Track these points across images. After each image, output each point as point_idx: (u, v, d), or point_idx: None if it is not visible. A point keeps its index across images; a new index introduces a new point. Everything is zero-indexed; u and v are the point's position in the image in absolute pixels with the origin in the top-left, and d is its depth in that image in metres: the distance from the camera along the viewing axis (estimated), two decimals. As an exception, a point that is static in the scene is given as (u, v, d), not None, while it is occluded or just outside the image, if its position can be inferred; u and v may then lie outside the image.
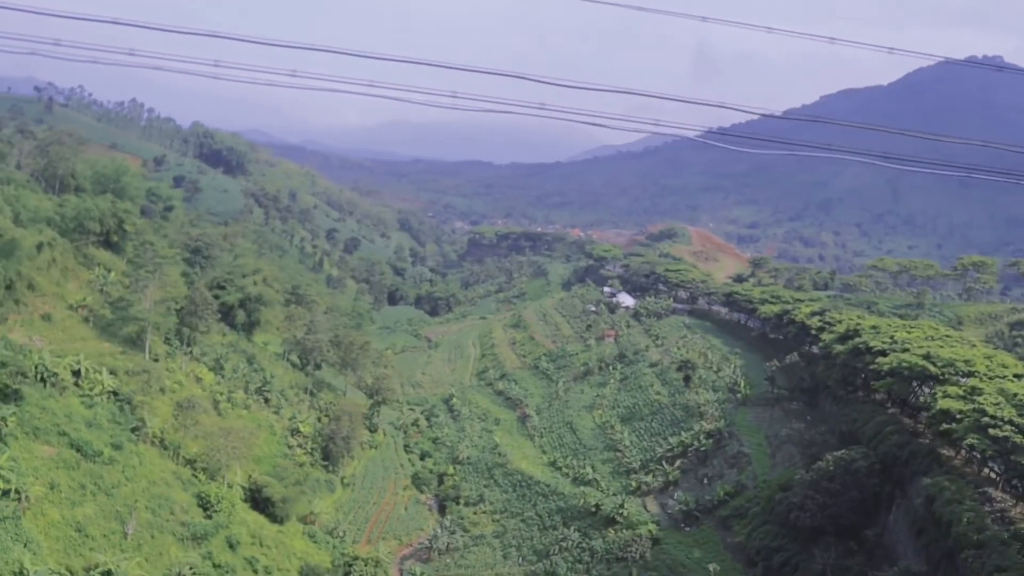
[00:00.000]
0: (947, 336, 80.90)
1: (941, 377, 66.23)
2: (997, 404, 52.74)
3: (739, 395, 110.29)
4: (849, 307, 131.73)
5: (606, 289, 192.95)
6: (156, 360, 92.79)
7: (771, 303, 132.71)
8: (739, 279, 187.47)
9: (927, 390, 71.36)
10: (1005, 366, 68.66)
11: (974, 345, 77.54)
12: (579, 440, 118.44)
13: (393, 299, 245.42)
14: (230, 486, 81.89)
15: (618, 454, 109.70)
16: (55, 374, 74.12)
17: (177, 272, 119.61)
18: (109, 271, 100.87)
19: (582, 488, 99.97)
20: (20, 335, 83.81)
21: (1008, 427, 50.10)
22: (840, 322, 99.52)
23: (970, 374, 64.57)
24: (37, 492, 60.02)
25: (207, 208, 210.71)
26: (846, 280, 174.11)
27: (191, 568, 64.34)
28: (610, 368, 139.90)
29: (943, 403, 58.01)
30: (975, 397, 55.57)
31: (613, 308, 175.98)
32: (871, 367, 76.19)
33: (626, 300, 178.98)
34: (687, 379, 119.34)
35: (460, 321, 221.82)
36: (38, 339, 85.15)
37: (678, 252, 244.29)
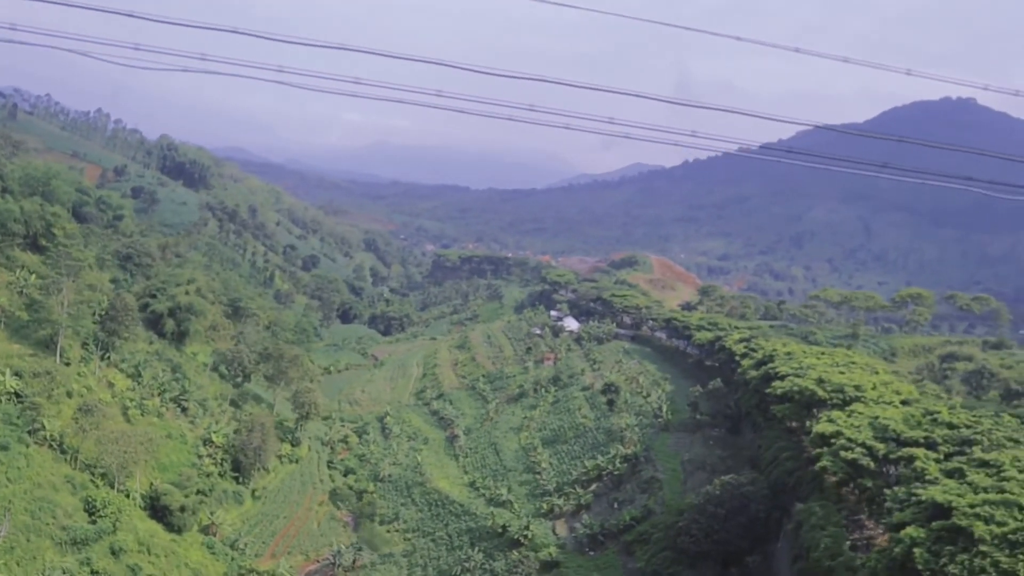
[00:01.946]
0: (852, 363, 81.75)
1: (830, 402, 66.82)
2: (857, 427, 53.26)
3: (661, 420, 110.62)
4: (789, 336, 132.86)
5: (553, 313, 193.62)
6: (68, 364, 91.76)
7: (707, 330, 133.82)
8: (687, 307, 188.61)
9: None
10: (898, 392, 69.58)
11: (876, 372, 78.35)
12: (501, 461, 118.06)
13: (347, 317, 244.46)
14: (127, 493, 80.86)
15: (536, 476, 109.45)
16: (-55, 372, 73.08)
17: (106, 278, 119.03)
18: (32, 274, 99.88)
19: (493, 509, 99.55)
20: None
21: (859, 449, 50.56)
22: (761, 349, 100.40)
23: (857, 399, 65.20)
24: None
25: (162, 219, 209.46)
26: (793, 311, 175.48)
27: (64, 573, 63.22)
28: (543, 391, 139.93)
29: (818, 427, 58.51)
30: (843, 421, 56.09)
31: (557, 332, 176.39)
32: (766, 391, 76.82)
33: (571, 324, 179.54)
34: (611, 403, 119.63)
35: (410, 341, 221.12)
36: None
37: (635, 280, 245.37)
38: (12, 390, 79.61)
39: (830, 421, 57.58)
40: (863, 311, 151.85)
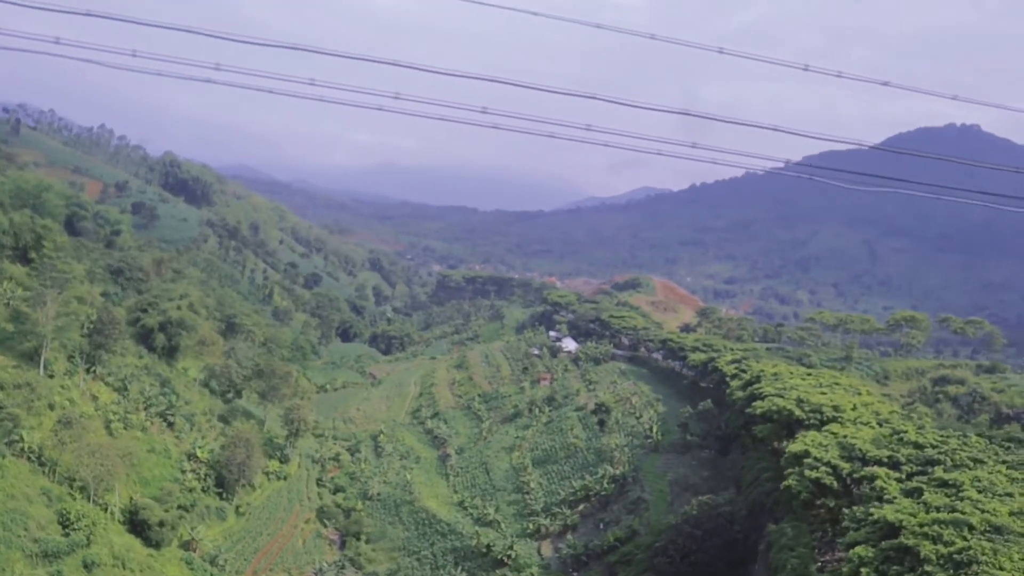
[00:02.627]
0: (836, 384, 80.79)
1: (807, 422, 65.88)
2: (824, 446, 52.35)
3: (651, 441, 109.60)
4: (784, 359, 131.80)
5: (551, 333, 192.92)
6: (52, 376, 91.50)
7: (701, 351, 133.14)
8: (686, 329, 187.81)
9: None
10: (877, 413, 68.60)
11: (859, 393, 77.37)
12: (491, 481, 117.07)
13: (347, 336, 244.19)
14: (105, 507, 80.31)
15: (525, 496, 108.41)
16: (-78, 382, 72.95)
17: (96, 292, 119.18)
18: (19, 286, 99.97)
19: (478, 529, 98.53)
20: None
21: (824, 468, 49.64)
22: (750, 370, 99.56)
23: (834, 419, 64.25)
24: None
25: (161, 235, 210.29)
26: (790, 333, 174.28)
27: (34, 586, 62.64)
28: (537, 411, 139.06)
29: (791, 447, 57.59)
30: (810, 440, 55.17)
31: (555, 352, 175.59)
32: (747, 411, 75.92)
33: (569, 345, 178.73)
34: (602, 423, 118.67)
35: (410, 360, 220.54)
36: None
37: (637, 301, 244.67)
38: (-8, 401, 79.34)
39: (801, 441, 56.66)
40: (859, 334, 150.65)
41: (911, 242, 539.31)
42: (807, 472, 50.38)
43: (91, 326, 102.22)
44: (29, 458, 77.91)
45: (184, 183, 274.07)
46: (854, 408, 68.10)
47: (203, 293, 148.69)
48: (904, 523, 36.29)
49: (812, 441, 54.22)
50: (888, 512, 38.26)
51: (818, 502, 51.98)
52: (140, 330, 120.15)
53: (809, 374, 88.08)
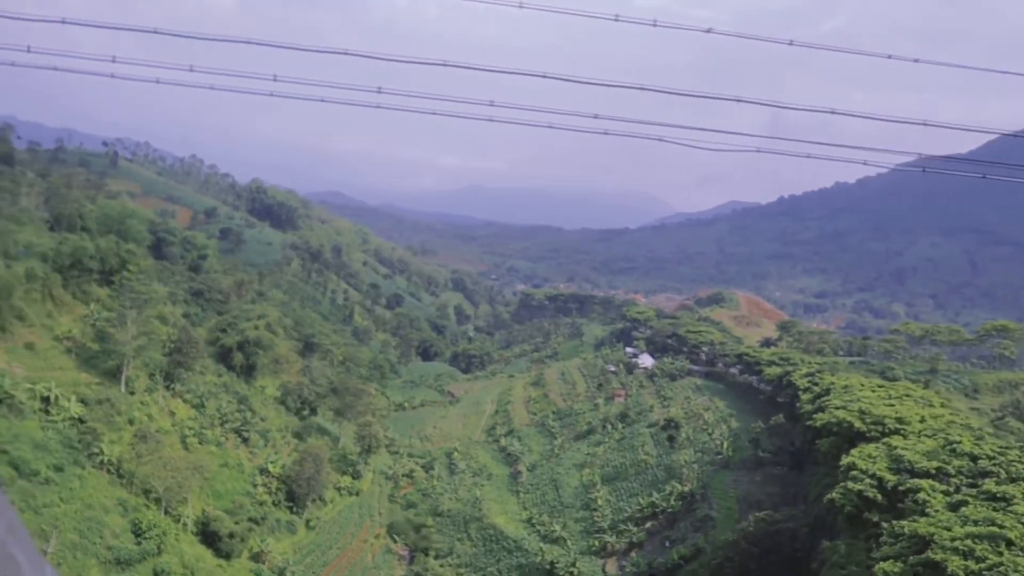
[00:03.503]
0: (906, 396, 77.39)
1: (868, 434, 63.27)
2: (872, 458, 50.10)
3: (721, 457, 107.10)
4: (868, 372, 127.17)
5: (628, 350, 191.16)
6: (132, 393, 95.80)
7: (777, 365, 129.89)
8: (767, 343, 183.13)
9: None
10: (948, 425, 65.41)
11: (931, 405, 73.90)
12: (560, 498, 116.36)
13: (428, 355, 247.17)
14: (178, 518, 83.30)
15: (593, 513, 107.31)
16: (12, 396, 77.40)
17: (178, 312, 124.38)
18: (104, 307, 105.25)
19: (543, 546, 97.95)
20: (0, 361, 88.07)
21: (868, 481, 47.49)
22: (823, 383, 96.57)
23: (896, 432, 61.51)
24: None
25: (247, 259, 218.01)
26: (877, 346, 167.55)
27: (105, 591, 65.45)
28: (610, 427, 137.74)
29: (846, 460, 55.36)
30: (857, 452, 52.93)
31: (631, 368, 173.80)
32: (807, 424, 73.43)
33: (645, 361, 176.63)
34: (671, 439, 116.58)
35: (489, 379, 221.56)
36: (17, 366, 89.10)
37: (719, 316, 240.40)
38: (76, 416, 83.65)
39: (854, 453, 54.47)
40: (947, 345, 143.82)
41: (1016, 251, 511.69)
42: (850, 485, 48.34)
43: (172, 345, 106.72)
44: (108, 470, 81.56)
45: (270, 208, 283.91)
46: (921, 420, 65.00)
47: (282, 313, 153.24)
48: (935, 537, 34.38)
49: (860, 453, 52.00)
50: (921, 526, 36.38)
51: (864, 516, 49.77)
52: (220, 349, 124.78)
53: (881, 386, 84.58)
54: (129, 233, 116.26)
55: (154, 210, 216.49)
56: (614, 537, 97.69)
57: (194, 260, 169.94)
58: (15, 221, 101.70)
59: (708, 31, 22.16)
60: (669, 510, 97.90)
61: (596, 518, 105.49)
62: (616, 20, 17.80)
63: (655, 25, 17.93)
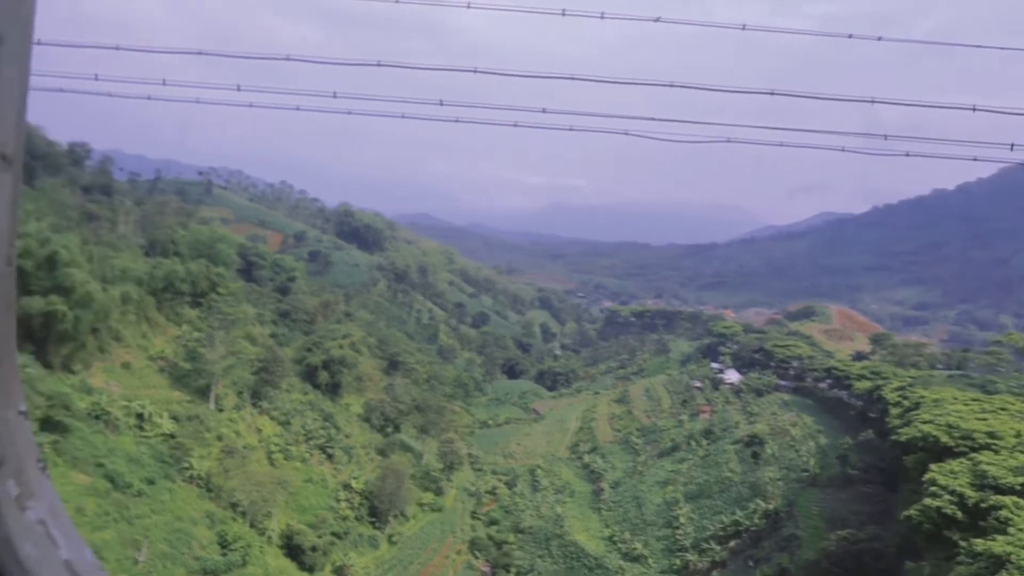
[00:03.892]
0: (1003, 409, 73.48)
1: (956, 449, 60.35)
2: (954, 474, 47.73)
3: (808, 474, 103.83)
4: (967, 386, 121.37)
5: (714, 365, 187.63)
6: (221, 410, 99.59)
7: (867, 379, 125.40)
8: (858, 357, 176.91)
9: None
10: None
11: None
12: (642, 515, 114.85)
13: (513, 373, 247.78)
14: (263, 531, 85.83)
15: (675, 531, 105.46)
16: (108, 412, 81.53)
17: (266, 332, 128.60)
18: (196, 329, 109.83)
19: (623, 563, 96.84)
20: (99, 380, 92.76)
21: (947, 497, 45.20)
22: (913, 397, 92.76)
23: (987, 447, 58.49)
24: (60, 516, 66.15)
25: (334, 280, 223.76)
26: (976, 359, 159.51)
27: (193, 601, 67.98)
28: (694, 444, 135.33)
29: (927, 476, 52.97)
30: (936, 467, 50.50)
31: (717, 384, 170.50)
32: (892, 438, 70.51)
33: (731, 376, 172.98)
34: (755, 455, 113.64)
35: (574, 396, 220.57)
36: (114, 384, 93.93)
37: (810, 330, 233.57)
38: (168, 432, 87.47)
39: (934, 468, 52.05)
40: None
41: None
42: (928, 501, 46.17)
43: (259, 364, 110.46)
44: (197, 484, 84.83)
45: (357, 231, 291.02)
46: (1017, 435, 61.61)
47: (367, 333, 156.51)
48: (1012, 557, 32.51)
49: (941, 469, 49.65)
50: (998, 544, 34.44)
51: (944, 534, 47.41)
52: (306, 368, 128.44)
53: (976, 399, 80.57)
54: (219, 257, 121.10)
55: (246, 235, 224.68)
56: (696, 556, 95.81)
57: (283, 282, 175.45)
58: (112, 247, 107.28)
59: (743, 28, 21.88)
60: (753, 528, 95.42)
61: (678, 536, 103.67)
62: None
63: (657, 20, 17.87)
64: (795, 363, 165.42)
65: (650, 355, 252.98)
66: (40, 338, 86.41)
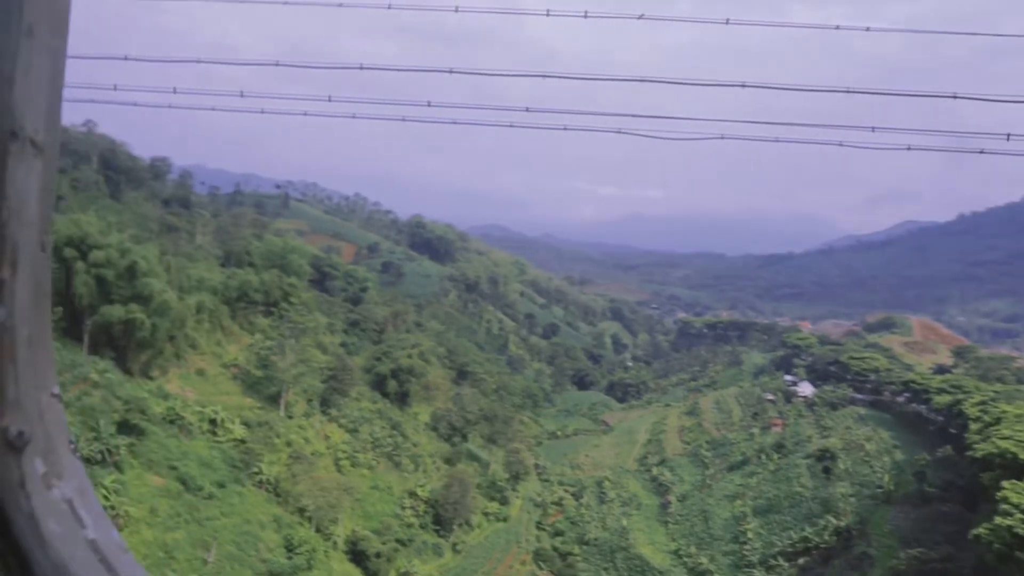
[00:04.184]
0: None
1: (1033, 467, 57.78)
2: (1026, 490, 45.60)
3: (883, 491, 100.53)
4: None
5: (787, 378, 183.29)
6: (291, 417, 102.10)
7: (947, 393, 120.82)
8: (940, 370, 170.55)
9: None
10: None
11: None
12: (709, 529, 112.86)
13: (583, 384, 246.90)
14: (329, 536, 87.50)
15: (742, 546, 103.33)
16: (182, 417, 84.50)
17: (337, 341, 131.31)
18: (268, 337, 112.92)
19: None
20: (175, 386, 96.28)
21: (1019, 516, 43.20)
22: (993, 411, 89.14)
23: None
24: (137, 514, 68.83)
25: (406, 291, 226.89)
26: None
27: (259, 602, 69.76)
28: (764, 458, 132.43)
29: (1002, 494, 50.79)
30: (1010, 485, 48.30)
31: (790, 397, 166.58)
32: (966, 454, 67.78)
33: (805, 389, 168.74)
34: (827, 470, 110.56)
35: (644, 408, 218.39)
36: (189, 391, 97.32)
37: (889, 343, 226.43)
38: (239, 437, 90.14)
39: (1006, 486, 49.84)
40: None
41: None
42: (999, 520, 44.28)
43: (329, 373, 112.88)
44: (266, 489, 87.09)
45: (429, 242, 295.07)
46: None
47: (436, 343, 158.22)
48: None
49: (1015, 487, 47.55)
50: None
51: (1016, 555, 45.30)
52: (375, 377, 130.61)
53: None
54: (291, 267, 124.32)
55: (321, 246, 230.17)
56: (764, 572, 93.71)
57: (355, 292, 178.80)
58: (189, 258, 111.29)
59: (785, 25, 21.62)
60: (823, 546, 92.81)
61: (746, 552, 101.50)
62: (640, 19, 17.84)
63: (728, 23, 18.01)
64: (872, 376, 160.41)
65: (722, 367, 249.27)
66: (121, 345, 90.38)
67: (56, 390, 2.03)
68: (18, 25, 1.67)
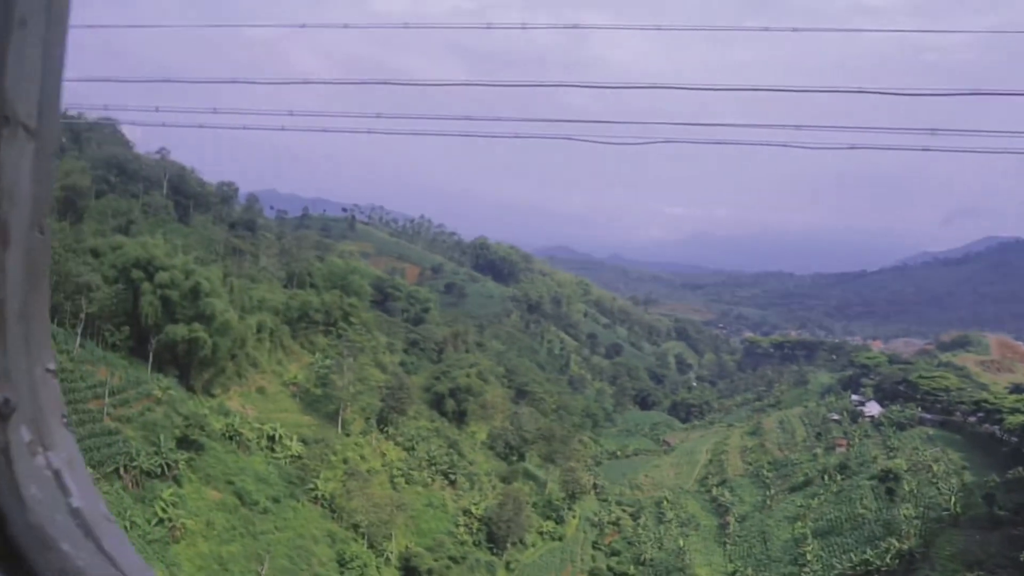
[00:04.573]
0: None
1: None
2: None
3: (948, 513, 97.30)
4: None
5: (854, 397, 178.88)
6: (348, 435, 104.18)
7: (1022, 412, 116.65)
8: (1016, 389, 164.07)
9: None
10: None
11: None
12: (767, 551, 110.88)
13: (646, 404, 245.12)
14: (381, 552, 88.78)
15: (801, 568, 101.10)
16: (240, 434, 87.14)
17: (396, 360, 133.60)
18: (327, 356, 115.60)
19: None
20: (236, 403, 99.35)
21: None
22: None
23: None
24: (193, 527, 71.28)
25: (468, 311, 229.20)
26: None
27: (311, 615, 71.29)
28: (827, 479, 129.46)
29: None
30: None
31: (856, 417, 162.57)
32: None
33: (872, 409, 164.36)
34: (890, 491, 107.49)
35: (707, 428, 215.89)
36: (250, 408, 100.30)
37: (964, 361, 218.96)
38: (296, 454, 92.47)
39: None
40: None
41: None
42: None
43: (386, 391, 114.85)
44: (321, 504, 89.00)
45: (492, 263, 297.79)
46: None
47: (495, 363, 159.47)
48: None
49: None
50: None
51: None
52: (434, 396, 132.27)
53: None
54: (351, 288, 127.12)
55: (385, 268, 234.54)
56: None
57: (417, 313, 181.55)
58: (252, 279, 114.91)
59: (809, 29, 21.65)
60: (884, 569, 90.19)
61: (804, 574, 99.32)
62: (574, 28, 18.39)
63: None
64: (942, 395, 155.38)
65: (788, 387, 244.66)
66: (184, 363, 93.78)
67: (51, 366, 2.04)
68: (10, 17, 1.77)
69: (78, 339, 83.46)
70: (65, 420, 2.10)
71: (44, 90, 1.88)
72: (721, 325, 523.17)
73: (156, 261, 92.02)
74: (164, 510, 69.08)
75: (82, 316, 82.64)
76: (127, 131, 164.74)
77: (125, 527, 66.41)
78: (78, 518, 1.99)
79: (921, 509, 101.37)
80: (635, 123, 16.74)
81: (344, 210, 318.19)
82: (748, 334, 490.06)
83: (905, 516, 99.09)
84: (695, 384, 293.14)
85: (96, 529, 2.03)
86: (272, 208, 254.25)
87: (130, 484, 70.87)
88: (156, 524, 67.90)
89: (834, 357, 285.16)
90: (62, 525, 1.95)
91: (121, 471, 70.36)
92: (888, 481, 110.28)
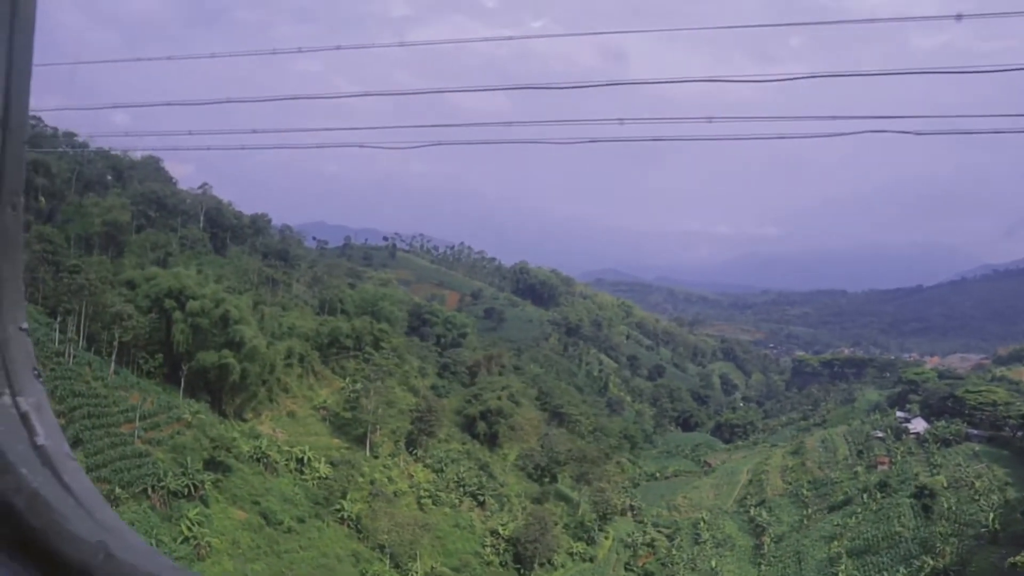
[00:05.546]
0: None
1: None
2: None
3: (987, 530, 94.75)
4: None
5: (900, 414, 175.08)
6: (376, 457, 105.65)
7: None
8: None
9: None
10: None
11: None
12: (802, 571, 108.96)
13: (688, 425, 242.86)
14: (405, 572, 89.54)
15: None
16: (268, 456, 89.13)
17: (427, 384, 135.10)
18: (356, 381, 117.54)
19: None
20: (267, 427, 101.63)
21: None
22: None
23: None
24: (219, 545, 73.14)
25: (507, 335, 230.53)
26: None
27: (329, 635, 72.33)
28: (867, 497, 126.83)
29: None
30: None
31: (900, 434, 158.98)
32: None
33: (917, 425, 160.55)
34: (926, 508, 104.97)
35: (750, 448, 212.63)
36: (280, 431, 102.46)
37: (1019, 375, 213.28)
38: (324, 475, 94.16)
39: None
40: None
41: None
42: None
43: (416, 415, 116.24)
44: (348, 525, 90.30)
45: (532, 287, 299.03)
46: None
47: (528, 385, 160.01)
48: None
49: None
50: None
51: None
52: (465, 419, 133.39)
53: None
54: (382, 313, 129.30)
55: (425, 295, 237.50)
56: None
57: (455, 338, 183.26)
58: (283, 307, 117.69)
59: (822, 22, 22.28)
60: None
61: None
62: (510, 40, 19.26)
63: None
64: (989, 410, 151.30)
65: (834, 405, 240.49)
66: (215, 389, 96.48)
67: (24, 325, 2.26)
68: None
69: (112, 366, 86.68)
70: (36, 372, 2.25)
71: (11, 86, 2.05)
72: (771, 345, 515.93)
73: (187, 291, 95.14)
74: (190, 529, 71.08)
75: (115, 344, 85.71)
76: (170, 168, 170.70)
77: (151, 545, 68.40)
78: (42, 455, 2.13)
79: (958, 526, 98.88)
80: (637, 121, 17.13)
81: (385, 239, 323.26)
82: (798, 353, 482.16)
83: (940, 533, 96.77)
84: (741, 404, 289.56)
85: (57, 464, 2.16)
86: (314, 239, 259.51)
87: (158, 504, 73.06)
88: (181, 542, 69.78)
89: (886, 375, 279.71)
90: (23, 454, 2.08)
91: (149, 491, 72.63)
92: (924, 498, 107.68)
